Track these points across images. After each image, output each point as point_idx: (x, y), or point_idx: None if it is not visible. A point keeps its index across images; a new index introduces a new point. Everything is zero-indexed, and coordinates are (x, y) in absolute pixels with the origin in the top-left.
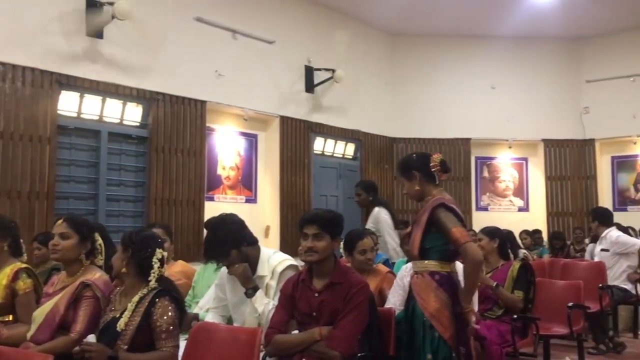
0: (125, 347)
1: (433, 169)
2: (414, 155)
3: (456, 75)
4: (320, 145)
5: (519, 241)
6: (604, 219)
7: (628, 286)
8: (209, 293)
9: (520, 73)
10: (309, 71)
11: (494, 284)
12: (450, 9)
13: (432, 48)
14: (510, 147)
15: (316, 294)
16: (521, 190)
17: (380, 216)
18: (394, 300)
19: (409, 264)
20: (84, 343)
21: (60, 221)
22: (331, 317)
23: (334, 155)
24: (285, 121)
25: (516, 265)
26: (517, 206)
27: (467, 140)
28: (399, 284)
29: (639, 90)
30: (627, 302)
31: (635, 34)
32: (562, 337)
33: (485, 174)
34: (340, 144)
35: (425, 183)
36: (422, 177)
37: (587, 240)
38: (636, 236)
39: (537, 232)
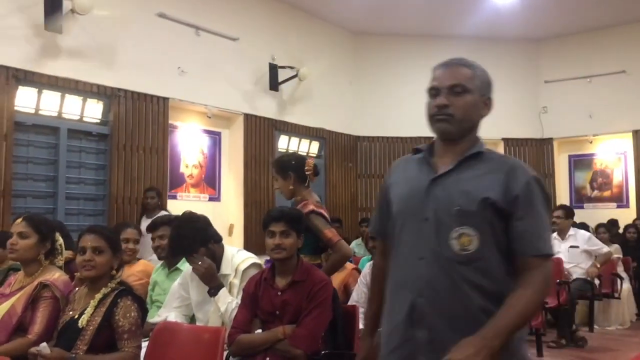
0: (85, 347)
1: (307, 172)
2: (293, 158)
3: (419, 74)
4: (284, 143)
5: None
6: (572, 216)
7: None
8: (169, 298)
9: None
10: (273, 69)
11: None
12: (413, 9)
13: (395, 47)
14: None
15: (279, 293)
16: None
17: None
18: (357, 297)
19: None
20: (39, 354)
21: (19, 220)
22: (294, 315)
23: (299, 153)
24: (249, 119)
25: None
26: None
27: (430, 139)
28: (363, 282)
29: (596, 90)
30: (584, 297)
31: (592, 35)
32: None
33: None
34: (305, 142)
35: (298, 184)
36: (296, 179)
37: (553, 234)
38: (591, 232)
39: None
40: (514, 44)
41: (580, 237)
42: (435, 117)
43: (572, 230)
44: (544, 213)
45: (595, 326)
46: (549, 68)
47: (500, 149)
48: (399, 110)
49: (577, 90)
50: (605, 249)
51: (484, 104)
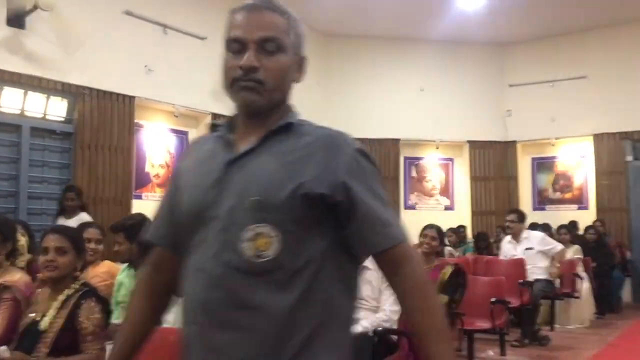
0: (47, 350)
1: None
2: None
3: (387, 76)
4: None
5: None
6: (525, 220)
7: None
8: None
9: (448, 76)
10: None
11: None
12: (382, 11)
13: (364, 49)
14: (437, 148)
15: None
16: (447, 190)
17: None
18: None
19: None
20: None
21: None
22: None
23: None
24: (217, 118)
25: (448, 270)
26: (443, 205)
27: (397, 140)
28: None
29: (558, 95)
30: (547, 297)
31: (556, 41)
32: (485, 332)
33: (414, 173)
34: None
35: None
36: None
37: (507, 237)
38: (552, 233)
39: (461, 227)
40: (481, 48)
41: (533, 239)
42: (238, 83)
43: (525, 233)
44: (382, 192)
45: (556, 325)
46: (514, 72)
47: (466, 152)
48: (366, 111)
49: (540, 95)
50: (559, 247)
51: (299, 67)
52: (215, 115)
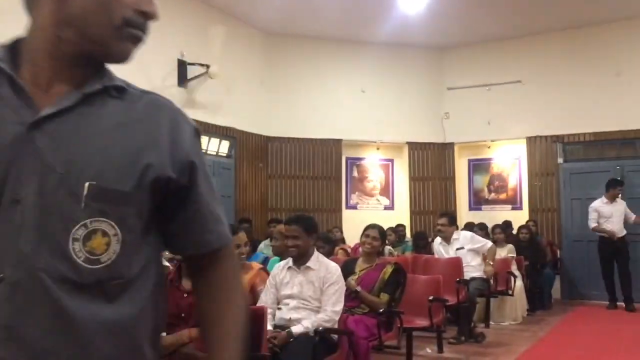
0: None
1: None
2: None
3: (330, 77)
4: None
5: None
6: (455, 223)
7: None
8: None
9: (389, 78)
10: (182, 65)
11: (355, 289)
12: (326, 13)
13: (307, 50)
14: (378, 149)
15: (185, 295)
16: (387, 190)
17: None
18: (266, 299)
19: (282, 262)
20: None
21: None
22: None
23: (208, 152)
24: None
25: (389, 269)
26: (383, 205)
27: (339, 141)
28: (272, 283)
29: (494, 98)
30: (482, 295)
31: (492, 46)
32: (423, 329)
33: (355, 173)
34: (214, 141)
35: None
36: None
37: (438, 239)
38: (487, 232)
39: (400, 225)
40: (420, 51)
41: (463, 239)
42: (129, 29)
43: (455, 234)
44: (213, 182)
45: (491, 322)
46: (452, 76)
47: (405, 153)
48: (309, 112)
49: (477, 98)
50: (489, 244)
51: None
52: None
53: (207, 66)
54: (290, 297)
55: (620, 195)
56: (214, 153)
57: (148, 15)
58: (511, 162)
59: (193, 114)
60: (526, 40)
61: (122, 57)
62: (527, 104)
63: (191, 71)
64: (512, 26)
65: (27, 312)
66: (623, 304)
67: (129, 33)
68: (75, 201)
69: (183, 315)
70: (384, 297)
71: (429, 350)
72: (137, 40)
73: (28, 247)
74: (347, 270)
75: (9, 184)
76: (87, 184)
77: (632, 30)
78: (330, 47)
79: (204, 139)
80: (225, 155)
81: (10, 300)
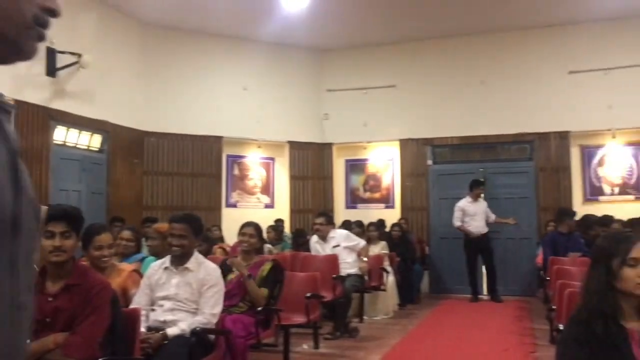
0: None
1: None
2: None
3: (211, 73)
4: (61, 135)
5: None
6: (332, 222)
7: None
8: None
9: (271, 77)
10: (51, 53)
11: (247, 274)
12: (208, 7)
13: (188, 43)
14: (259, 147)
15: (50, 299)
16: (268, 188)
17: None
18: (139, 300)
19: (157, 262)
20: None
21: None
22: (68, 322)
23: (78, 146)
24: (21, 106)
25: (267, 266)
26: (264, 203)
27: (219, 138)
28: (146, 283)
29: (370, 101)
30: (357, 291)
31: (369, 50)
32: (300, 326)
33: (236, 171)
34: (85, 135)
35: None
36: None
37: (314, 238)
38: (364, 230)
39: (279, 220)
40: (302, 51)
41: (339, 237)
42: (36, 30)
43: (332, 233)
44: None
45: (365, 317)
46: (331, 77)
47: (286, 152)
48: (188, 107)
49: (354, 100)
50: (362, 242)
51: None
52: (18, 102)
53: (79, 55)
54: (165, 298)
55: (482, 195)
56: (85, 147)
57: (54, 13)
58: (385, 163)
59: (63, 105)
60: (402, 46)
61: (30, 56)
62: (401, 108)
63: (61, 60)
64: (390, 32)
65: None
66: (486, 297)
67: (37, 32)
68: (37, 224)
69: (48, 320)
70: (264, 291)
71: (305, 347)
72: (43, 39)
73: (29, 275)
74: (225, 268)
75: (17, 211)
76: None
77: (496, 42)
78: (212, 43)
79: (73, 133)
80: (97, 149)
81: (28, 330)
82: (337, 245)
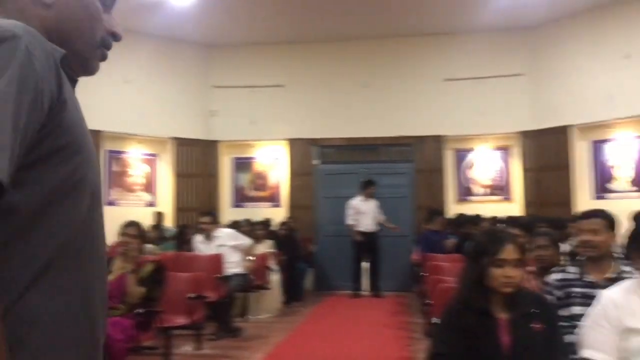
0: None
1: None
2: None
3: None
4: None
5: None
6: (218, 221)
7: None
8: None
9: (157, 71)
10: None
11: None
12: None
13: None
14: (140, 143)
15: None
16: (151, 186)
17: None
18: None
19: None
20: None
21: None
22: None
23: None
24: None
25: (149, 267)
26: (145, 201)
27: (97, 132)
28: None
29: (258, 100)
30: (242, 290)
31: (258, 48)
32: (183, 328)
33: (115, 168)
34: None
35: None
36: None
37: (199, 237)
38: (250, 227)
39: (159, 214)
40: (189, 47)
41: (225, 236)
42: (102, 50)
43: (217, 232)
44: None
45: (249, 316)
46: (219, 74)
47: (170, 148)
48: None
49: (242, 98)
50: (248, 241)
51: None
52: None
53: None
54: None
55: (373, 195)
56: None
57: (117, 37)
58: (273, 161)
59: None
60: (291, 47)
61: (93, 72)
62: (289, 107)
63: None
64: (279, 32)
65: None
66: (367, 293)
67: (102, 52)
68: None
69: None
70: (141, 290)
71: (188, 348)
72: (104, 59)
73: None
74: None
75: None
76: None
77: (378, 48)
78: None
79: None
80: None
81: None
82: (223, 245)
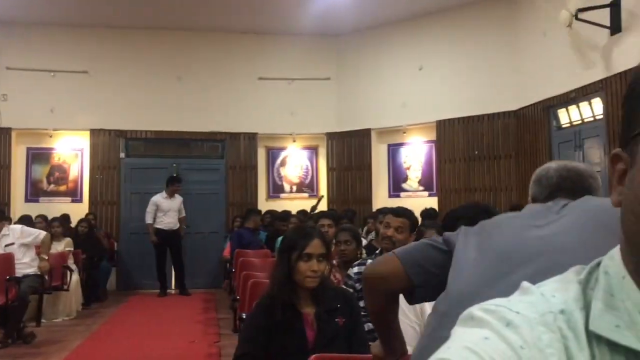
0: None
1: None
2: None
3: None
4: None
5: None
6: (6, 216)
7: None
8: None
9: None
10: None
11: None
12: None
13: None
14: None
15: None
16: None
17: None
18: None
19: None
20: None
21: None
22: None
23: None
24: None
25: None
26: None
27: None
28: None
29: (59, 86)
30: (36, 292)
31: (58, 29)
32: None
33: None
34: None
35: None
36: None
37: None
38: (49, 225)
39: None
40: None
41: (13, 233)
42: None
43: (5, 230)
44: None
45: (43, 320)
46: (12, 54)
47: None
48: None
49: (40, 83)
50: (42, 234)
51: None
52: None
53: None
54: None
55: (178, 192)
56: None
57: None
58: (73, 152)
59: None
60: (95, 31)
61: None
62: (93, 96)
63: None
64: (80, 13)
65: None
66: (174, 291)
67: None
68: None
69: None
70: None
71: None
72: None
73: None
74: None
75: None
76: None
77: (193, 41)
78: None
79: None
80: None
81: None
82: (12, 244)
